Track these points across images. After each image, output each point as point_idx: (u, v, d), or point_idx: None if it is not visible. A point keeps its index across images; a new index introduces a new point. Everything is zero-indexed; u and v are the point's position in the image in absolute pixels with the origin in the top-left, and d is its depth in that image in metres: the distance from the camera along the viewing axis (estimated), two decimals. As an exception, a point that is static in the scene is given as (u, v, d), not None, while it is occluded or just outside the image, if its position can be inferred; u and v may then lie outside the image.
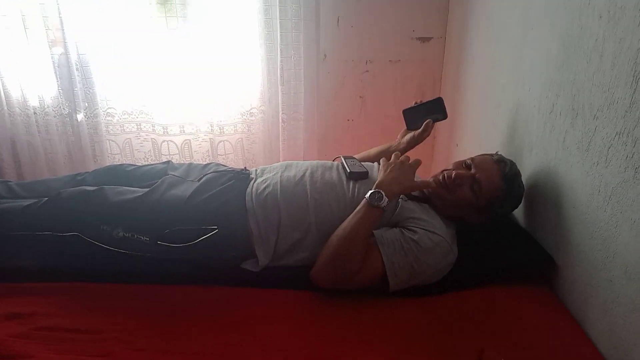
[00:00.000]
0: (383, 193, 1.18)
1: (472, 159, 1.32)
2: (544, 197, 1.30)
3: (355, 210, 1.19)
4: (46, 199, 1.32)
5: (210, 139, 2.23)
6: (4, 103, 2.06)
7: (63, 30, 1.95)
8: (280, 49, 2.06)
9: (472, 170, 1.28)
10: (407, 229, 1.22)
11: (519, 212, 1.43)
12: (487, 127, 1.76)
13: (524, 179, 1.33)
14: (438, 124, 1.58)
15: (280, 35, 2.03)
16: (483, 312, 1.15)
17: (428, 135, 1.54)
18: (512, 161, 1.32)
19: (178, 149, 2.25)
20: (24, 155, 2.16)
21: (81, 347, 0.99)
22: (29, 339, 1.00)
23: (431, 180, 1.32)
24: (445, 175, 1.30)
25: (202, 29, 2.05)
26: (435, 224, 1.23)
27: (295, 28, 2.04)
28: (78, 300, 1.15)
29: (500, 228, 1.37)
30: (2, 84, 2.03)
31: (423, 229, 1.20)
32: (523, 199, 1.34)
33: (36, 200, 1.34)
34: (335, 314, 1.14)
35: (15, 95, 2.07)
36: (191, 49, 2.08)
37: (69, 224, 1.27)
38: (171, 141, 2.23)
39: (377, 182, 1.23)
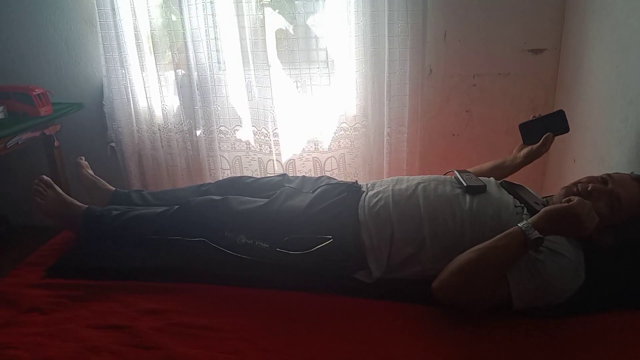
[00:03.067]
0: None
1: (608, 175, 1.25)
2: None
3: (505, 242, 1.10)
4: (177, 207, 1.44)
5: (313, 157, 2.30)
6: (134, 121, 2.30)
7: (187, 53, 2.14)
8: (388, 65, 2.08)
9: (610, 186, 1.21)
10: None
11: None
12: (610, 142, 1.65)
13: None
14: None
15: (388, 51, 2.06)
16: (613, 338, 1.07)
17: (547, 150, 1.47)
18: None
19: (283, 169, 2.32)
20: (148, 167, 2.37)
21: (211, 343, 1.07)
22: (165, 333, 1.10)
23: (562, 192, 1.26)
24: (580, 187, 1.24)
25: (308, 47, 2.14)
26: (561, 243, 1.17)
27: (402, 44, 2.06)
28: (205, 300, 1.23)
29: (629, 252, 1.26)
30: (134, 103, 2.27)
31: (548, 249, 1.14)
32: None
33: (168, 208, 1.47)
34: (449, 330, 1.12)
35: (143, 113, 2.30)
36: (297, 67, 2.17)
37: (196, 230, 1.37)
38: (277, 161, 2.31)
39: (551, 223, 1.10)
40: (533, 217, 1.12)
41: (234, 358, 1.02)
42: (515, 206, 1.28)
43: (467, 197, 1.29)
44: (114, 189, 1.70)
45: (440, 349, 1.06)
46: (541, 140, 1.45)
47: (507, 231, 1.12)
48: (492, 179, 1.41)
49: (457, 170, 1.41)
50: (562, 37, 2.08)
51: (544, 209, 1.12)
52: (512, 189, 1.35)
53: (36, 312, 1.18)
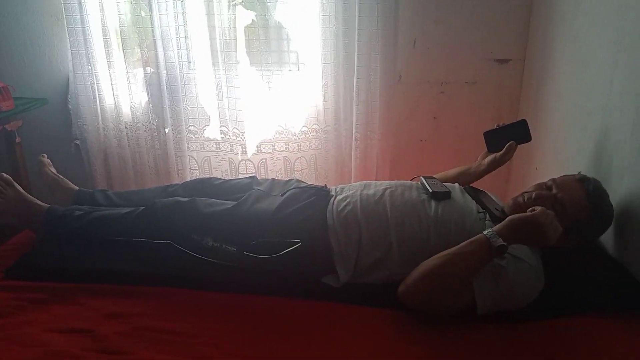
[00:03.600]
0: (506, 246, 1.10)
1: (553, 180, 1.30)
2: (634, 225, 1.24)
3: (470, 248, 1.12)
4: (142, 208, 1.42)
5: (284, 157, 2.31)
6: (100, 118, 2.24)
7: (156, 51, 2.10)
8: (358, 70, 2.10)
9: (554, 191, 1.26)
10: None
11: (607, 240, 1.37)
12: (570, 151, 1.71)
13: (613, 205, 1.28)
14: (517, 147, 1.55)
15: (358, 57, 2.08)
16: (572, 342, 1.11)
17: (510, 158, 1.52)
18: (595, 179, 1.28)
19: (255, 168, 2.32)
20: (114, 166, 2.32)
21: (176, 348, 1.05)
22: (130, 338, 1.08)
23: (511, 202, 1.31)
24: (526, 197, 1.28)
25: (279, 49, 2.15)
26: (521, 249, 1.21)
27: (373, 50, 2.08)
28: (171, 304, 1.22)
29: (587, 255, 1.32)
30: (100, 100, 2.22)
31: (510, 255, 1.18)
32: (613, 228, 1.29)
33: (133, 208, 1.44)
34: (416, 334, 1.14)
35: (109, 110, 2.25)
36: (273, 70, 2.17)
37: (162, 232, 1.35)
38: (249, 160, 2.31)
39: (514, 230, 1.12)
40: (498, 226, 1.15)
41: (201, 364, 1.02)
42: (478, 212, 1.32)
43: (433, 203, 1.32)
44: (78, 188, 1.66)
45: (406, 352, 1.08)
46: (504, 149, 1.49)
47: (473, 238, 1.14)
48: (456, 185, 1.44)
49: (423, 177, 1.43)
50: (527, 48, 2.15)
51: (508, 218, 1.15)
52: (475, 194, 1.39)
53: (-8, 315, 1.15)
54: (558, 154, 1.82)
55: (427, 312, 1.17)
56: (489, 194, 1.44)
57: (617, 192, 1.33)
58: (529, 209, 1.14)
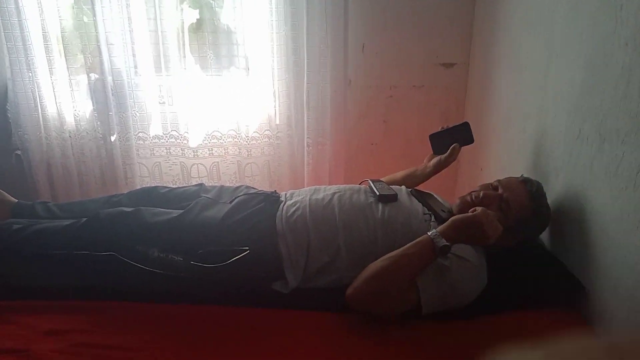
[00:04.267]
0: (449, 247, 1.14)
1: (498, 180, 1.35)
2: (571, 222, 1.30)
3: (415, 249, 1.15)
4: (85, 219, 1.37)
5: (237, 161, 2.29)
6: (42, 128, 2.16)
7: (101, 57, 2.05)
8: (308, 75, 2.11)
9: (500, 191, 1.30)
10: None
11: (545, 237, 1.43)
12: (511, 152, 1.77)
13: (550, 203, 1.34)
14: (463, 149, 1.60)
15: (307, 62, 2.09)
16: (513, 336, 1.15)
17: (454, 160, 1.56)
18: (538, 182, 1.34)
19: (207, 171, 2.30)
20: (57, 177, 2.24)
21: (117, 364, 1.03)
22: (67, 355, 1.04)
23: (459, 201, 1.34)
24: (473, 195, 1.32)
25: (229, 54, 2.14)
26: (465, 249, 1.24)
27: (322, 55, 2.09)
28: (113, 318, 1.19)
29: (528, 252, 1.37)
30: (42, 109, 2.13)
31: (454, 255, 1.21)
32: (551, 225, 1.34)
33: (75, 220, 1.39)
34: (365, 337, 1.15)
35: (52, 119, 2.17)
36: (221, 75, 2.16)
37: (105, 244, 1.31)
38: (201, 164, 2.29)
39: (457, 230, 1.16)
40: (441, 226, 1.18)
41: (142, 377, 0.99)
42: (424, 214, 1.35)
43: (380, 206, 1.34)
44: (16, 200, 1.59)
45: (356, 354, 1.09)
46: (449, 151, 1.53)
47: (417, 240, 1.17)
48: (403, 187, 1.47)
49: (370, 180, 1.45)
50: (470, 52, 2.22)
51: (451, 218, 1.18)
52: (421, 197, 1.42)
53: None
54: (500, 154, 1.89)
55: (373, 313, 1.18)
56: (435, 195, 1.47)
57: (554, 190, 1.39)
58: (471, 210, 1.17)
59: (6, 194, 1.60)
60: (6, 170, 2.10)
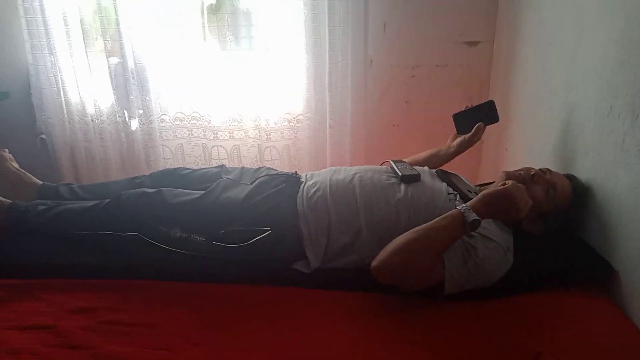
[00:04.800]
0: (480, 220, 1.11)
1: (547, 168, 1.35)
2: (600, 201, 1.26)
3: (445, 222, 1.12)
4: (108, 200, 1.38)
5: (258, 144, 2.28)
6: (65, 112, 2.18)
7: (121, 40, 2.05)
8: (329, 56, 2.08)
9: (548, 176, 1.31)
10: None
11: (574, 218, 1.39)
12: (538, 131, 1.73)
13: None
14: (487, 129, 1.56)
15: (329, 42, 2.06)
16: (539, 317, 1.13)
17: (479, 139, 1.53)
18: (582, 181, 1.35)
19: (227, 154, 2.31)
20: (81, 160, 2.27)
21: (142, 340, 1.04)
22: (94, 332, 1.05)
23: (504, 175, 1.32)
24: (523, 172, 1.32)
25: (251, 35, 2.13)
26: (491, 229, 1.22)
27: (343, 34, 2.06)
28: (137, 296, 1.20)
29: (554, 234, 1.34)
30: (64, 93, 2.16)
31: (479, 234, 1.19)
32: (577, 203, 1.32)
33: (98, 202, 1.41)
34: (387, 315, 1.14)
35: (74, 103, 2.19)
36: (241, 57, 2.15)
37: (129, 224, 1.32)
38: (221, 146, 2.29)
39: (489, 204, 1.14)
40: (471, 201, 1.15)
41: (166, 354, 1.00)
42: (449, 193, 1.32)
43: (402, 186, 1.32)
44: (41, 182, 1.62)
45: (375, 332, 1.09)
46: (473, 130, 1.50)
47: (447, 213, 1.15)
48: (426, 167, 1.44)
49: (392, 160, 1.43)
50: (496, 30, 2.15)
51: (481, 192, 1.16)
52: (446, 177, 1.39)
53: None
54: (526, 134, 1.84)
55: (396, 287, 1.15)
56: (461, 177, 1.44)
57: (584, 168, 1.35)
58: (500, 184, 1.15)
59: (32, 176, 1.63)
60: (31, 154, 2.13)
